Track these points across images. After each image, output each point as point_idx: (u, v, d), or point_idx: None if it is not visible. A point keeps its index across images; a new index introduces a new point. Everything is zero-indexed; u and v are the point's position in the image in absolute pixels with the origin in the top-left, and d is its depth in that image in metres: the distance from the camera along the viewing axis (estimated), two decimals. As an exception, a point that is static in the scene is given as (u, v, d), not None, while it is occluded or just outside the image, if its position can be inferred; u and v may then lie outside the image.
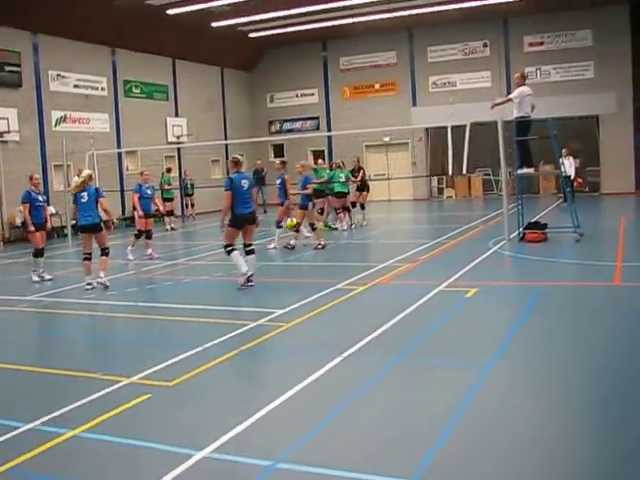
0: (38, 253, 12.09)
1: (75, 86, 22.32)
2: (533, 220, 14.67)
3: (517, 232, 13.85)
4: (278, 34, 27.75)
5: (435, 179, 29.27)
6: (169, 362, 6.49)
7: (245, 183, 10.35)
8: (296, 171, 15.30)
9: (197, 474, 4.16)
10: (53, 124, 21.44)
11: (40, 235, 12.20)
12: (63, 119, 21.75)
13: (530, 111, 13.68)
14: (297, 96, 30.77)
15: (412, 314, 7.97)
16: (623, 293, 8.71)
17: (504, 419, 4.78)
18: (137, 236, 14.50)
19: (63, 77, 21.86)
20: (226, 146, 29.59)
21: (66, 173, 19.45)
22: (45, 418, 5.15)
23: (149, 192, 14.61)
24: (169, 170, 22.34)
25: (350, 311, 8.55)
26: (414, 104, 28.44)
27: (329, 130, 29.59)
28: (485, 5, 24.69)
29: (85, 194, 11.13)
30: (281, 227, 15.11)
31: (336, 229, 17.82)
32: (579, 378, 5.56)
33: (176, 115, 27.02)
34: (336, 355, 6.35)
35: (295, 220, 14.83)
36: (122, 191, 23.69)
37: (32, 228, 12.01)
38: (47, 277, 12.11)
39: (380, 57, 29.03)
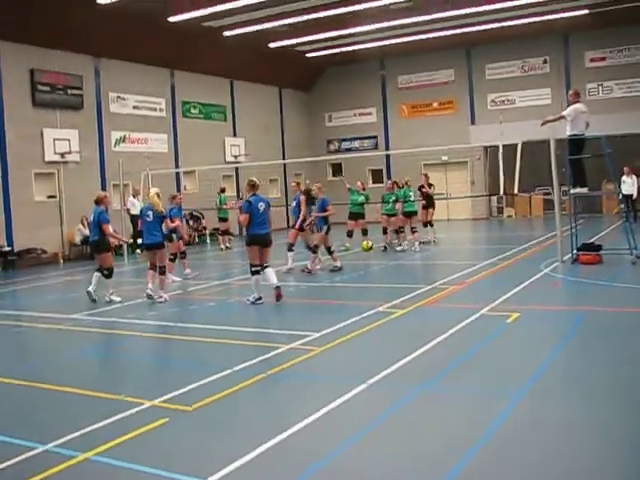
0: (110, 273, 11.86)
1: (134, 107, 22.90)
2: (589, 241, 14.15)
3: (570, 254, 13.39)
4: (335, 53, 27.91)
5: (495, 198, 28.71)
6: (193, 385, 6.44)
7: (262, 206, 10.72)
8: (312, 193, 14.78)
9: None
10: (113, 144, 21.99)
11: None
12: (122, 139, 22.31)
13: (584, 129, 13.30)
14: (355, 115, 30.80)
15: (447, 340, 7.73)
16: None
17: (526, 449, 4.55)
18: (172, 260, 13.98)
19: (123, 99, 22.46)
20: (284, 165, 29.83)
21: (122, 193, 19.91)
22: (61, 440, 5.16)
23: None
24: (223, 190, 22.54)
25: (386, 336, 8.36)
26: (472, 122, 28.06)
27: (387, 149, 29.48)
28: (545, 20, 24.23)
29: (150, 213, 11.46)
30: (292, 250, 14.62)
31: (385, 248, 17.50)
32: (612, 411, 5.24)
33: (234, 135, 27.39)
34: (362, 382, 6.19)
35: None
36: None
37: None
38: (117, 299, 11.77)
39: (438, 75, 28.82)
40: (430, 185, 18.80)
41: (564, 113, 13.45)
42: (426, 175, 19.26)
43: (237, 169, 27.10)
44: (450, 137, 26.67)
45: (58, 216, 20.27)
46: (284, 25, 23.15)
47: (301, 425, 5.21)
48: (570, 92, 13.91)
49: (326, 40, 25.80)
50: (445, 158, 28.23)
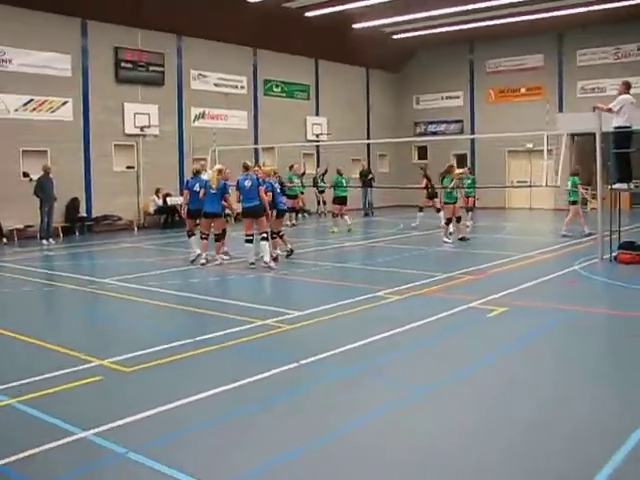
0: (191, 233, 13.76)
1: (215, 84, 23.75)
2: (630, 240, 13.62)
3: (610, 253, 12.98)
4: (424, 35, 27.64)
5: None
6: (148, 350, 6.98)
7: (248, 183, 12.47)
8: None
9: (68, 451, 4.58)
10: (192, 120, 22.96)
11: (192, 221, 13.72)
12: (202, 115, 23.23)
13: (632, 121, 12.79)
14: (442, 98, 30.44)
15: (414, 329, 7.84)
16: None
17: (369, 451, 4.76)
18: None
19: (204, 76, 23.35)
20: (368, 146, 30.00)
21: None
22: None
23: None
24: (291, 167, 22.95)
25: (363, 319, 8.54)
26: (560, 109, 27.06)
27: (472, 133, 29.01)
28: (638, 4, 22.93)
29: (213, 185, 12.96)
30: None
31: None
32: (506, 414, 5.31)
33: (317, 114, 27.79)
34: (294, 361, 6.51)
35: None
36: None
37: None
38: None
39: (527, 60, 27.95)
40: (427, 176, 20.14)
41: (611, 105, 12.97)
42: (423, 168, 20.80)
43: (318, 147, 27.54)
44: (537, 124, 25.79)
45: (135, 186, 21.48)
46: (365, 6, 23.17)
47: (193, 398, 5.52)
48: (620, 82, 13.38)
49: (412, 22, 25.61)
50: (530, 146, 27.41)
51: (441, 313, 8.59)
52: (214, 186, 12.91)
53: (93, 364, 6.56)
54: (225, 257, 13.52)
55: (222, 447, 4.67)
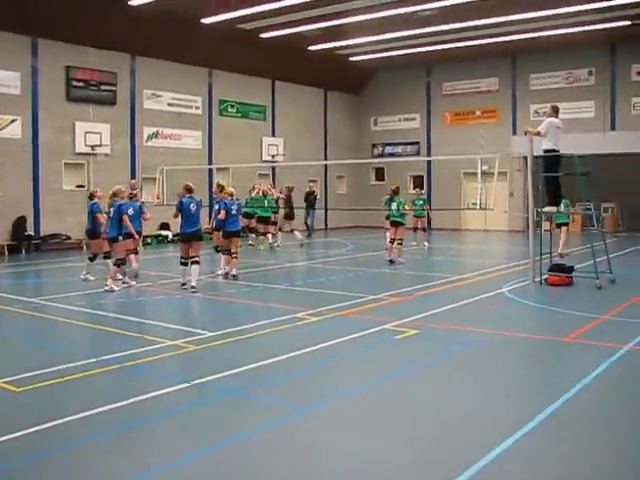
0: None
1: (169, 104, 23.84)
2: (560, 262, 13.90)
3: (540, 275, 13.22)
4: (381, 58, 28.03)
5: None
6: (46, 370, 6.99)
7: (193, 206, 12.42)
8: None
9: None
10: (145, 139, 23.01)
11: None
12: (155, 135, 23.28)
13: (559, 145, 13.14)
14: (400, 120, 30.82)
15: (314, 351, 7.92)
16: (565, 350, 8.10)
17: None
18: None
19: (158, 95, 23.44)
20: (325, 167, 30.23)
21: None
22: None
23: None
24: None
25: (272, 340, 8.60)
26: (514, 132, 27.54)
27: (429, 155, 29.38)
28: (591, 31, 23.52)
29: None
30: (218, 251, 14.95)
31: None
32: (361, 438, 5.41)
33: (273, 135, 27.98)
34: (186, 382, 6.57)
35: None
36: (211, 206, 24.79)
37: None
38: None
39: (482, 83, 28.48)
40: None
41: (539, 128, 13.30)
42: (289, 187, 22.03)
43: (274, 168, 27.70)
44: (492, 146, 26.24)
45: (85, 205, 21.32)
46: (320, 29, 23.45)
47: (78, 416, 5.61)
48: (548, 106, 13.80)
49: (368, 44, 25.96)
50: (485, 168, 27.72)
51: (351, 335, 8.70)
52: (107, 209, 13.09)
53: (-22, 386, 6.57)
54: (116, 287, 12.50)
55: (89, 463, 4.72)
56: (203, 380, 6.69)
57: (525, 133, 13.69)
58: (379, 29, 23.74)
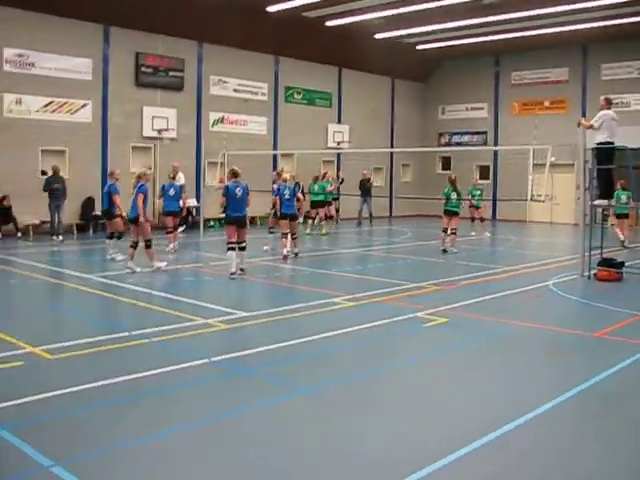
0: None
1: (235, 90, 24.30)
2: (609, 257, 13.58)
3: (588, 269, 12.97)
4: (449, 46, 27.71)
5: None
6: (81, 340, 7.45)
7: (239, 191, 12.22)
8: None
9: None
10: (210, 124, 23.56)
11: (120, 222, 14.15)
12: (220, 120, 23.81)
13: (614, 137, 12.82)
14: (467, 109, 30.43)
15: (339, 335, 8.10)
16: (589, 345, 8.01)
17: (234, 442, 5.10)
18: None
19: (224, 82, 23.93)
20: (391, 155, 30.18)
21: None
22: None
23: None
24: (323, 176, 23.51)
25: (303, 323, 8.83)
26: (584, 124, 26.74)
27: (495, 145, 28.92)
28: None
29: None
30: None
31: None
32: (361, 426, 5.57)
33: (338, 122, 28.12)
34: (207, 358, 6.89)
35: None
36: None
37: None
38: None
39: (551, 73, 27.77)
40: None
41: (592, 121, 13.01)
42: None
43: (339, 155, 27.87)
44: (560, 138, 25.67)
45: (151, 187, 22.09)
46: (386, 17, 23.38)
47: (97, 384, 6.01)
48: (601, 98, 13.43)
49: (435, 33, 25.70)
50: (552, 159, 27.11)
51: (380, 321, 8.85)
52: (132, 190, 12.88)
53: (23, 351, 7.06)
54: (162, 264, 12.94)
55: (74, 432, 5.06)
56: (221, 358, 7.00)
57: (578, 125, 13.39)
58: (445, 17, 23.43)
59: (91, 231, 20.45)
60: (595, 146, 12.91)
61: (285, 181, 15.37)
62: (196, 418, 5.32)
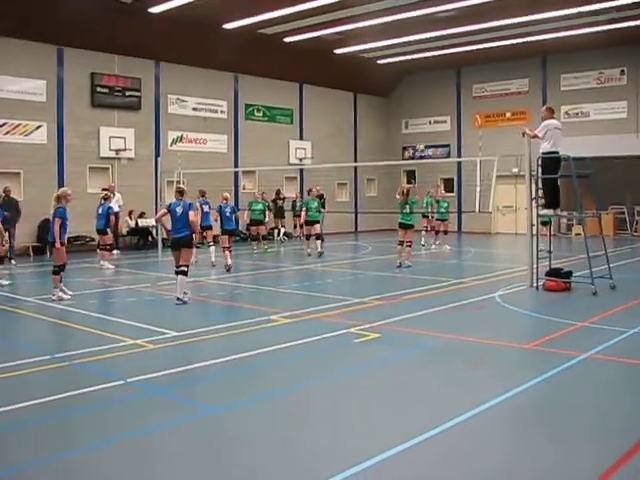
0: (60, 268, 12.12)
1: (194, 109, 24.28)
2: (557, 266, 13.64)
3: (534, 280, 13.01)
4: (410, 60, 27.91)
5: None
6: (2, 365, 7.31)
7: (179, 209, 11.44)
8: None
9: None
10: (169, 143, 23.49)
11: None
12: (179, 139, 23.75)
13: (558, 147, 12.95)
14: (430, 123, 30.63)
15: (263, 353, 7.99)
16: (515, 357, 7.97)
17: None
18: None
19: (182, 100, 23.90)
20: (355, 170, 30.26)
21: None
22: None
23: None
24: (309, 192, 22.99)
25: (227, 341, 8.68)
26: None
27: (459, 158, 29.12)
28: (623, 28, 22.88)
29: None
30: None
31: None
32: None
33: (301, 138, 28.15)
34: (121, 379, 6.77)
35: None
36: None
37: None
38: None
39: (512, 85, 28.09)
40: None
41: (536, 130, 13.12)
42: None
43: (302, 171, 27.88)
44: (522, 149, 25.88)
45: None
46: (342, 32, 23.50)
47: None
48: (543, 108, 13.60)
49: (394, 47, 25.88)
50: (515, 170, 27.39)
51: (311, 337, 8.76)
52: (50, 212, 12.10)
53: None
54: (65, 296, 12.01)
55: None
56: (138, 378, 6.87)
57: (523, 135, 13.50)
58: (403, 31, 23.63)
59: (48, 254, 20.17)
60: (540, 156, 13.03)
61: (226, 200, 16.59)
62: (93, 441, 5.21)
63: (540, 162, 13.15)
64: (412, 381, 6.96)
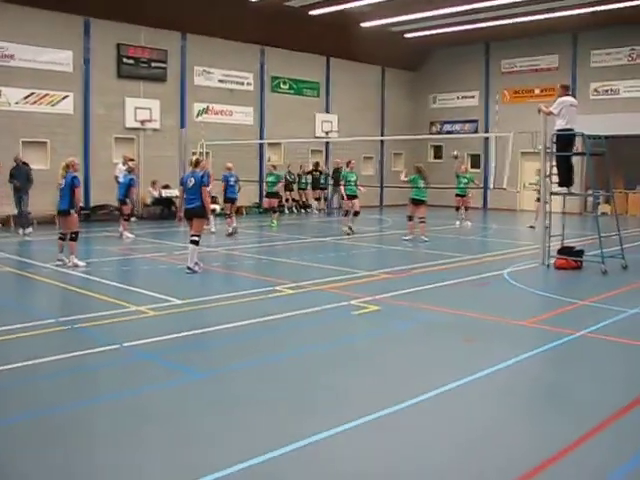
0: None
1: (220, 80, 24.40)
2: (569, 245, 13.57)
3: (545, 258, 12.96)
4: (438, 35, 27.57)
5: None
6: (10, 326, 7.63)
7: (190, 181, 11.58)
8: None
9: None
10: (195, 115, 23.68)
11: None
12: (205, 111, 23.92)
13: (574, 124, 12.84)
14: (458, 98, 30.33)
15: (263, 322, 8.20)
16: (511, 333, 8.02)
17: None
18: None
19: (208, 72, 24.03)
20: (381, 143, 30.15)
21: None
22: None
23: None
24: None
25: (229, 310, 8.89)
26: (572, 112, 26.58)
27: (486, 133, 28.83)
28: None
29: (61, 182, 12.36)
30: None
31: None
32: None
33: (327, 111, 28.11)
34: (119, 343, 7.03)
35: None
36: (261, 181, 25.25)
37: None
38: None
39: (542, 61, 27.61)
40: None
41: (551, 107, 13.01)
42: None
43: (327, 144, 27.90)
44: (550, 126, 25.56)
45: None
46: (368, 5, 23.31)
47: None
48: (558, 85, 13.49)
49: (420, 21, 25.56)
50: (541, 147, 27.00)
51: (312, 308, 8.92)
52: (61, 181, 12.24)
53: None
54: (81, 263, 12.18)
55: None
56: (133, 343, 7.12)
57: (539, 112, 13.39)
58: (431, 4, 23.35)
59: (58, 223, 20.53)
60: (554, 133, 12.94)
61: (229, 169, 17.86)
62: (79, 399, 5.47)
63: (555, 139, 13.03)
64: (401, 354, 7.08)
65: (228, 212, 17.74)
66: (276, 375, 6.25)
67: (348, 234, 17.75)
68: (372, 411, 5.18)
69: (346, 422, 4.95)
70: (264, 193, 21.57)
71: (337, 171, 24.40)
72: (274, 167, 20.69)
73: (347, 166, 19.30)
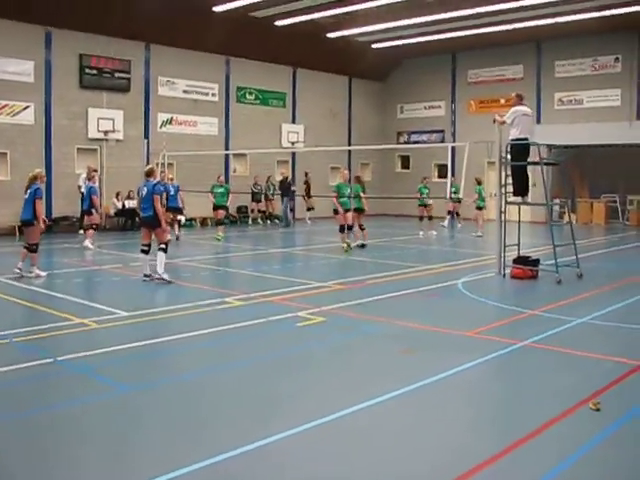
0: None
1: (184, 91, 24.31)
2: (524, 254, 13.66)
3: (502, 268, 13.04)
4: (405, 45, 27.76)
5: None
6: None
7: (144, 191, 11.87)
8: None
9: None
10: (158, 126, 23.56)
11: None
12: (169, 121, 23.81)
13: (528, 133, 12.96)
14: (425, 108, 30.52)
15: (205, 334, 8.13)
16: (451, 344, 8.01)
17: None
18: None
19: (173, 83, 23.93)
20: (349, 154, 30.22)
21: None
22: None
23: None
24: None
25: (166, 325, 8.76)
26: (538, 121, 26.84)
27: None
28: (618, 15, 22.60)
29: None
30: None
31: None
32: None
33: (293, 122, 28.12)
34: (50, 358, 6.91)
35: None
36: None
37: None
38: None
39: (507, 71, 27.90)
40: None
41: (504, 117, 13.13)
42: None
43: (294, 155, 27.89)
44: (505, 135, 25.80)
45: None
46: (334, 16, 23.38)
47: None
48: (512, 94, 13.64)
49: (387, 31, 25.71)
50: (508, 157, 27.24)
51: (257, 320, 8.84)
52: (26, 192, 12.37)
53: None
54: (42, 273, 12.30)
55: None
56: (68, 357, 7.00)
57: (493, 121, 13.50)
58: (397, 15, 23.47)
59: (17, 235, 20.32)
60: (509, 142, 13.05)
61: (171, 180, 18.66)
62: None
63: (509, 149, 13.15)
64: (340, 365, 7.03)
65: (169, 221, 16.73)
66: (214, 387, 6.19)
67: (346, 251, 16.67)
68: (303, 421, 5.14)
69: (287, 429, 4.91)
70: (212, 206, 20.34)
71: (283, 182, 24.45)
72: (220, 179, 20.38)
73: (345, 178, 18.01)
